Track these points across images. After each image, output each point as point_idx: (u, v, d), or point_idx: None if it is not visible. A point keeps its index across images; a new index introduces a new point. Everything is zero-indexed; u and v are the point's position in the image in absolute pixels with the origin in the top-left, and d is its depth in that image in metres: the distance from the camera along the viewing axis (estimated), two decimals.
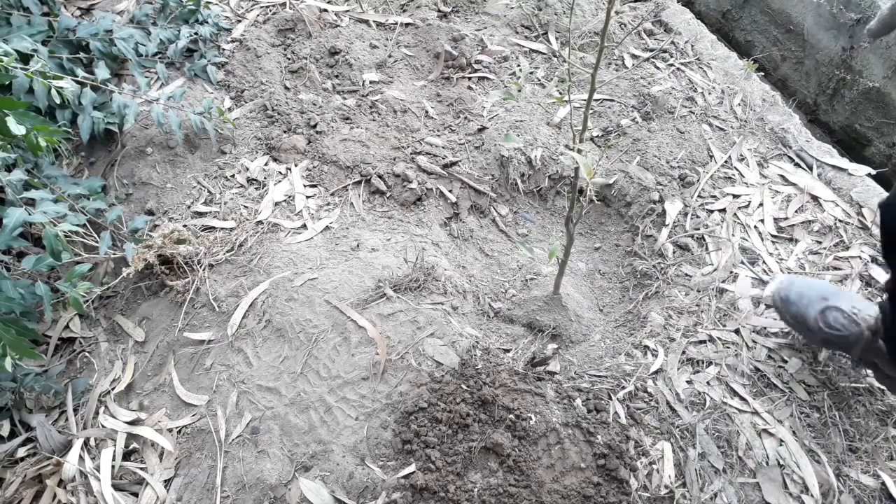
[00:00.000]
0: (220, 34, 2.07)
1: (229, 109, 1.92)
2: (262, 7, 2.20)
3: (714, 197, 1.76)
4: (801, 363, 1.42)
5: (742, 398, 1.38)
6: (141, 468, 1.31)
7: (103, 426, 1.37)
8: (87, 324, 1.58)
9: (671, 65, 2.13)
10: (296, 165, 1.81)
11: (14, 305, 1.30)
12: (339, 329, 1.42)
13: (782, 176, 1.80)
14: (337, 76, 2.07)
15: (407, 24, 2.24)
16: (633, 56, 2.18)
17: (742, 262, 1.60)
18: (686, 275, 1.64)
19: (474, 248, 1.81)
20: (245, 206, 1.70)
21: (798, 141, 1.88)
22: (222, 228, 1.65)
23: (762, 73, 2.19)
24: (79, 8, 2.09)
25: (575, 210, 1.35)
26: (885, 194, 1.73)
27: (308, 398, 1.34)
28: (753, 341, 1.46)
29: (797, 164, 1.83)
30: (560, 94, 2.07)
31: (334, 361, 1.38)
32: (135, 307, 1.59)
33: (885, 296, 1.24)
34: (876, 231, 1.64)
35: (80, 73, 1.70)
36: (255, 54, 2.03)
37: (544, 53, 2.20)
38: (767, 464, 1.29)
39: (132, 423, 1.38)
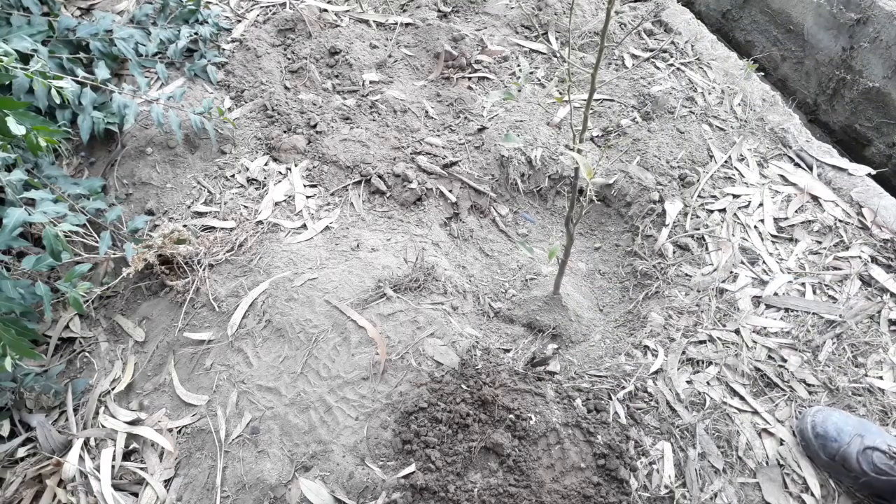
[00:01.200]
0: (220, 34, 2.07)
1: (229, 109, 1.92)
2: (262, 7, 2.20)
3: (714, 197, 1.76)
4: (801, 362, 1.42)
5: (742, 398, 1.38)
6: (141, 468, 1.31)
7: (103, 426, 1.37)
8: (87, 324, 1.58)
9: (671, 65, 2.13)
10: (296, 165, 1.81)
11: (14, 305, 1.30)
12: (339, 329, 1.42)
13: (782, 176, 1.80)
14: (337, 76, 2.07)
15: (407, 24, 2.24)
16: (633, 56, 2.18)
17: (742, 263, 1.60)
18: (686, 275, 1.64)
19: (474, 248, 1.81)
20: (245, 206, 1.70)
21: (798, 141, 1.87)
22: (222, 228, 1.65)
23: (762, 73, 2.19)
24: (79, 8, 2.09)
25: (575, 210, 1.35)
26: (886, 194, 1.73)
27: (308, 398, 1.34)
28: (753, 341, 1.46)
29: (797, 164, 1.83)
30: (560, 94, 2.07)
31: (334, 361, 1.38)
32: (135, 307, 1.59)
33: None
34: (876, 231, 1.64)
35: (80, 73, 1.70)
36: (255, 54, 2.03)
37: (544, 53, 2.20)
38: (767, 464, 1.29)
39: (132, 423, 1.38)
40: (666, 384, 1.40)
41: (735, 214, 1.71)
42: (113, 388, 1.44)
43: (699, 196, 1.77)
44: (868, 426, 1.30)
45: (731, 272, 1.60)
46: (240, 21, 2.14)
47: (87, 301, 1.58)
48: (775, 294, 1.54)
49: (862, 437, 1.26)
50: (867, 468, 1.23)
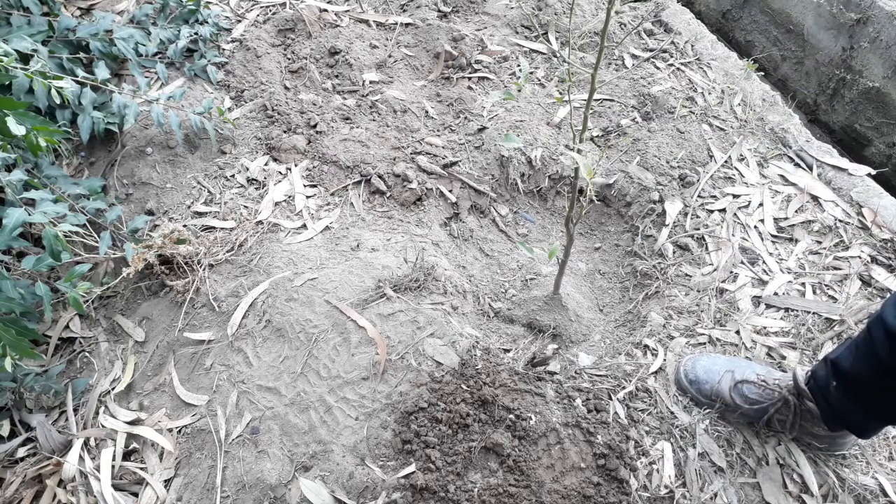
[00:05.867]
0: (220, 34, 2.07)
1: (229, 109, 1.92)
2: (262, 7, 2.20)
3: (714, 197, 1.76)
4: (801, 361, 1.42)
5: None
6: (141, 468, 1.31)
7: (103, 426, 1.37)
8: (87, 324, 1.58)
9: (671, 65, 2.13)
10: (296, 165, 1.81)
11: (14, 305, 1.30)
12: (339, 329, 1.42)
13: (782, 176, 1.80)
14: (337, 76, 2.07)
15: (407, 24, 2.24)
16: (633, 56, 2.18)
17: (742, 263, 1.60)
18: (686, 275, 1.64)
19: (474, 248, 1.81)
20: (245, 206, 1.70)
21: (798, 141, 1.88)
22: (222, 228, 1.65)
23: (762, 73, 2.19)
24: (79, 8, 2.09)
25: (575, 210, 1.35)
26: (886, 194, 1.73)
27: (308, 398, 1.34)
28: (753, 341, 1.46)
29: (797, 164, 1.83)
30: (560, 94, 2.07)
31: (334, 361, 1.38)
32: (135, 307, 1.59)
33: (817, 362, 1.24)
34: (876, 231, 1.64)
35: (80, 73, 1.70)
36: (255, 54, 2.03)
37: (544, 53, 2.20)
38: (767, 463, 1.29)
39: (132, 423, 1.38)
40: (666, 384, 1.40)
41: (735, 214, 1.71)
42: (113, 388, 1.44)
43: (699, 196, 1.77)
44: (737, 361, 1.35)
45: (731, 272, 1.60)
46: (240, 21, 2.14)
47: (87, 301, 1.58)
48: (775, 294, 1.54)
49: (732, 372, 1.31)
50: (740, 401, 1.28)
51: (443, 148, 1.90)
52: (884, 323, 1.03)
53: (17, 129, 1.24)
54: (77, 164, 1.79)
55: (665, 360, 1.44)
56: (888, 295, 1.52)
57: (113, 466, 1.31)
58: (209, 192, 1.74)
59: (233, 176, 1.78)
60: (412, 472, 1.22)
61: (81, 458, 1.32)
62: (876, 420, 1.16)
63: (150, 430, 1.35)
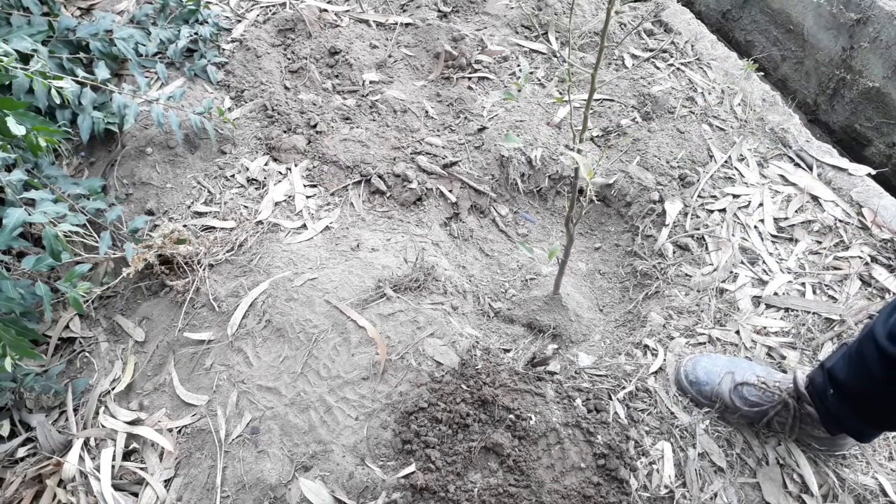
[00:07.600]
0: (220, 34, 2.07)
1: (229, 109, 1.92)
2: (262, 7, 2.20)
3: (714, 197, 1.76)
4: (801, 361, 1.42)
5: None
6: (141, 468, 1.31)
7: (103, 426, 1.37)
8: (87, 324, 1.58)
9: (671, 65, 2.13)
10: (296, 165, 1.81)
11: (14, 305, 1.30)
12: (339, 329, 1.42)
13: (782, 176, 1.80)
14: (337, 76, 2.07)
15: (407, 24, 2.24)
16: (633, 56, 2.18)
17: (742, 263, 1.60)
18: (686, 275, 1.64)
19: (474, 248, 1.81)
20: (245, 206, 1.70)
21: (798, 141, 1.88)
22: (222, 228, 1.65)
23: (762, 73, 2.19)
24: (79, 8, 2.09)
25: (575, 210, 1.35)
26: (886, 194, 1.73)
27: (308, 398, 1.34)
28: (753, 341, 1.46)
29: (797, 164, 1.83)
30: (560, 94, 2.07)
31: (334, 361, 1.38)
32: (135, 307, 1.59)
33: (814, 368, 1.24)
34: (876, 231, 1.64)
35: (80, 73, 1.70)
36: (255, 54, 2.03)
37: (544, 53, 2.20)
38: (767, 463, 1.29)
39: (132, 423, 1.38)
40: (666, 384, 1.40)
41: (735, 214, 1.71)
42: (113, 388, 1.44)
43: (699, 196, 1.77)
44: (738, 362, 1.35)
45: (731, 272, 1.60)
46: (240, 21, 2.14)
47: (87, 301, 1.58)
48: (775, 294, 1.54)
49: (732, 373, 1.31)
50: (740, 403, 1.28)
51: (443, 148, 1.90)
52: (875, 340, 1.03)
53: (17, 129, 1.24)
54: (77, 164, 1.79)
55: (665, 360, 1.44)
56: (888, 297, 1.52)
57: (113, 466, 1.31)
58: (209, 192, 1.74)
59: (233, 176, 1.78)
60: (412, 472, 1.22)
61: (81, 458, 1.32)
62: (874, 426, 1.17)
63: (150, 430, 1.35)
